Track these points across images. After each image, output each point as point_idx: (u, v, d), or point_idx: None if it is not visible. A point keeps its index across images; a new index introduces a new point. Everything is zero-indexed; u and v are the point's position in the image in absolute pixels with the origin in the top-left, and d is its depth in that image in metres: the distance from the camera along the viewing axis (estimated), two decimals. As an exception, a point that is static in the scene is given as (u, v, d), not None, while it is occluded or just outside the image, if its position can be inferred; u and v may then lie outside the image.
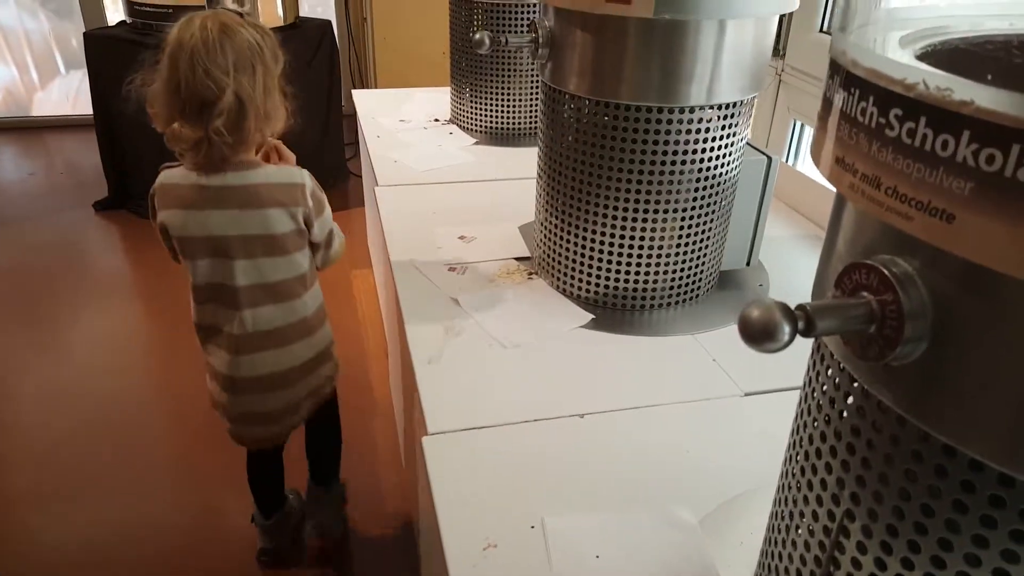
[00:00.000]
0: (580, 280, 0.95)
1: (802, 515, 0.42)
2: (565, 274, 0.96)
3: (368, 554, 1.41)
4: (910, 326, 0.30)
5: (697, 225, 0.89)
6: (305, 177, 1.01)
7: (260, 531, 1.33)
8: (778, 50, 1.41)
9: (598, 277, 0.93)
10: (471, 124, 1.61)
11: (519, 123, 1.57)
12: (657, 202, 0.87)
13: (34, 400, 1.79)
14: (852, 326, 0.32)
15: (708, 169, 0.86)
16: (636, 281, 0.92)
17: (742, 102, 0.85)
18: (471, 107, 1.59)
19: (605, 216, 0.89)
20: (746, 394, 0.79)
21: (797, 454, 0.43)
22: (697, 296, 0.96)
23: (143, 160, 2.66)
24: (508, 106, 1.55)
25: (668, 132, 0.83)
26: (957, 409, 0.31)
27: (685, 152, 0.84)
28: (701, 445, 0.72)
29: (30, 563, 1.37)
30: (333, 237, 1.09)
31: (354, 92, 1.94)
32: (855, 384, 0.36)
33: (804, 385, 0.43)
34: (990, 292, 0.28)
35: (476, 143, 1.56)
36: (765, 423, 0.75)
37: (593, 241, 0.91)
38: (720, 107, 0.84)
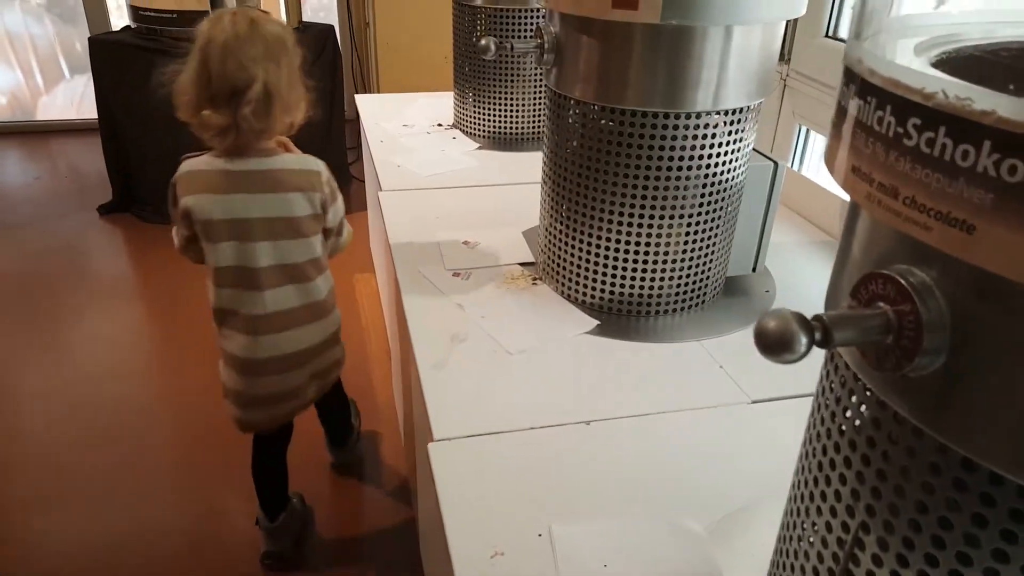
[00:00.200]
0: (585, 286, 0.94)
1: (815, 526, 0.42)
2: (570, 280, 0.96)
3: (371, 558, 1.40)
4: (928, 337, 0.30)
5: (703, 231, 0.89)
6: (321, 165, 1.08)
7: (264, 534, 1.33)
8: (783, 55, 1.40)
9: (603, 283, 0.93)
10: (474, 129, 1.61)
11: (522, 127, 1.57)
12: (663, 208, 0.86)
13: (37, 403, 1.79)
14: (869, 337, 0.31)
15: (714, 175, 0.86)
16: (642, 287, 0.91)
17: (748, 108, 0.85)
18: (474, 112, 1.59)
19: (611, 222, 0.88)
20: (753, 401, 0.78)
21: (809, 464, 0.42)
22: (703, 302, 0.95)
23: (147, 164, 2.67)
24: (511, 110, 1.55)
25: (674, 138, 0.83)
26: (976, 421, 0.30)
27: (691, 158, 0.84)
28: (708, 453, 0.71)
29: (33, 567, 1.36)
30: (343, 225, 1.16)
31: (357, 96, 1.94)
32: (870, 394, 0.36)
33: (817, 394, 0.42)
34: (1011, 303, 0.28)
35: (479, 148, 1.56)
36: (773, 431, 0.74)
37: (598, 247, 0.91)
38: (726, 113, 0.83)
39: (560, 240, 0.95)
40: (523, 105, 1.54)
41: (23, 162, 3.34)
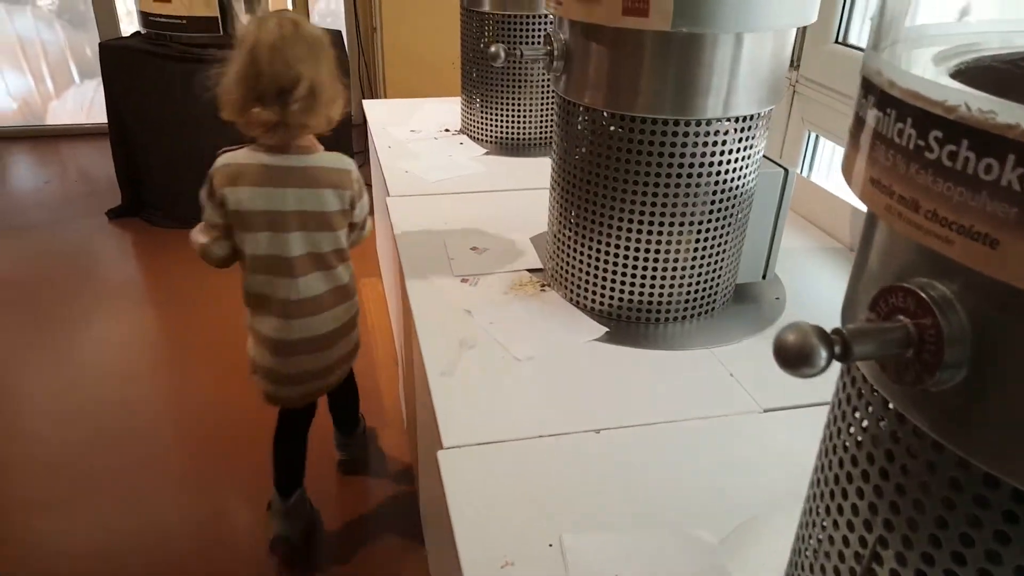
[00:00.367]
0: (594, 293, 0.94)
1: (831, 540, 0.41)
2: (579, 286, 0.95)
3: (379, 563, 1.40)
4: (949, 351, 0.30)
5: (713, 238, 0.89)
6: (352, 164, 1.16)
7: (277, 517, 1.35)
8: (792, 60, 1.40)
9: (612, 290, 0.92)
10: (481, 134, 1.61)
11: (530, 133, 1.57)
12: (672, 215, 0.86)
13: (46, 406, 1.80)
14: (889, 350, 0.31)
15: (724, 182, 0.86)
16: (651, 294, 0.91)
17: (759, 114, 0.85)
18: (481, 117, 1.59)
19: (620, 228, 0.88)
20: (765, 410, 0.78)
21: (825, 476, 0.42)
22: (713, 309, 0.95)
23: (156, 169, 2.68)
24: (519, 116, 1.55)
25: (684, 145, 0.83)
26: (999, 436, 0.30)
27: (701, 165, 0.84)
28: (720, 462, 0.71)
29: (40, 570, 1.37)
30: (367, 220, 1.23)
31: (364, 102, 1.95)
32: (889, 407, 0.35)
33: (832, 406, 0.42)
34: (1034, 318, 0.27)
35: (486, 153, 1.56)
36: (786, 441, 0.74)
37: (608, 253, 0.90)
38: (737, 120, 0.83)
39: (569, 246, 0.95)
40: (530, 110, 1.54)
41: (33, 166, 3.36)
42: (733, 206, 0.88)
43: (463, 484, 0.67)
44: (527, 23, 1.44)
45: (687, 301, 0.92)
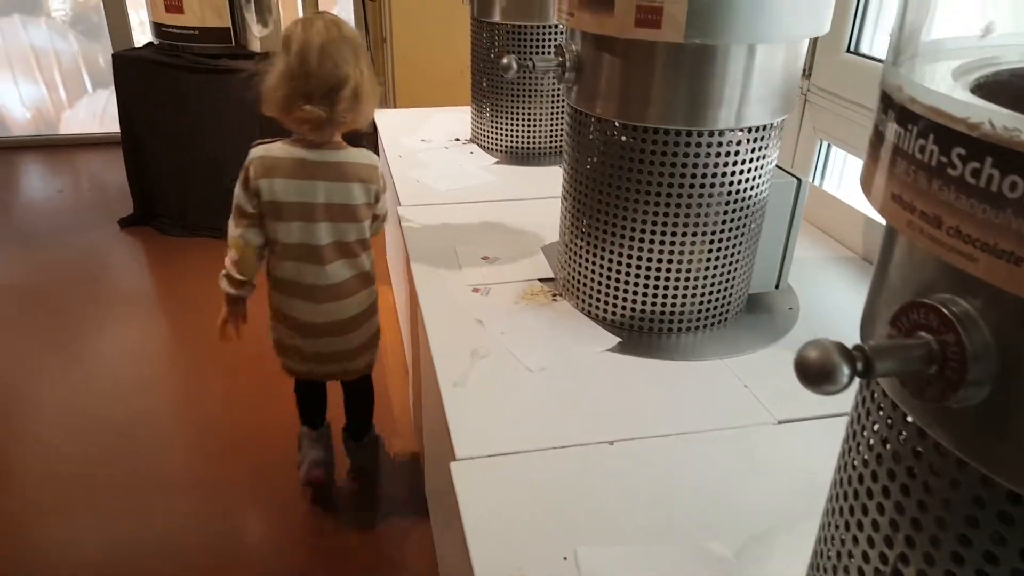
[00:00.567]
0: (607, 303, 0.94)
1: (851, 555, 0.41)
2: (591, 296, 0.95)
3: (388, 574, 1.40)
4: (973, 368, 0.29)
5: (726, 248, 0.88)
6: (378, 160, 1.22)
7: (310, 444, 1.47)
8: (804, 70, 1.40)
9: (624, 300, 0.92)
10: (492, 143, 1.61)
11: (540, 142, 1.57)
12: (685, 225, 0.86)
13: (57, 414, 1.81)
14: (911, 367, 0.31)
15: (737, 192, 0.86)
16: (664, 304, 0.91)
17: (771, 125, 0.85)
18: (492, 126, 1.59)
19: (632, 238, 0.88)
20: (779, 422, 0.77)
21: (844, 491, 0.42)
22: (725, 319, 0.94)
23: (168, 178, 2.70)
24: (529, 125, 1.55)
25: (696, 155, 0.83)
26: (1023, 453, 0.30)
27: (714, 175, 0.84)
28: (735, 474, 0.70)
29: (52, 580, 1.37)
30: (387, 212, 1.29)
31: (375, 112, 1.96)
32: (910, 422, 0.35)
33: (851, 421, 0.41)
34: (1060, 336, 0.27)
35: (497, 162, 1.57)
36: (801, 453, 0.73)
37: (620, 263, 0.90)
38: (749, 130, 0.83)
39: (580, 256, 0.95)
40: (541, 120, 1.55)
41: (46, 175, 3.40)
42: (746, 216, 0.88)
43: (476, 496, 0.67)
44: (537, 33, 1.45)
45: (700, 311, 0.92)
